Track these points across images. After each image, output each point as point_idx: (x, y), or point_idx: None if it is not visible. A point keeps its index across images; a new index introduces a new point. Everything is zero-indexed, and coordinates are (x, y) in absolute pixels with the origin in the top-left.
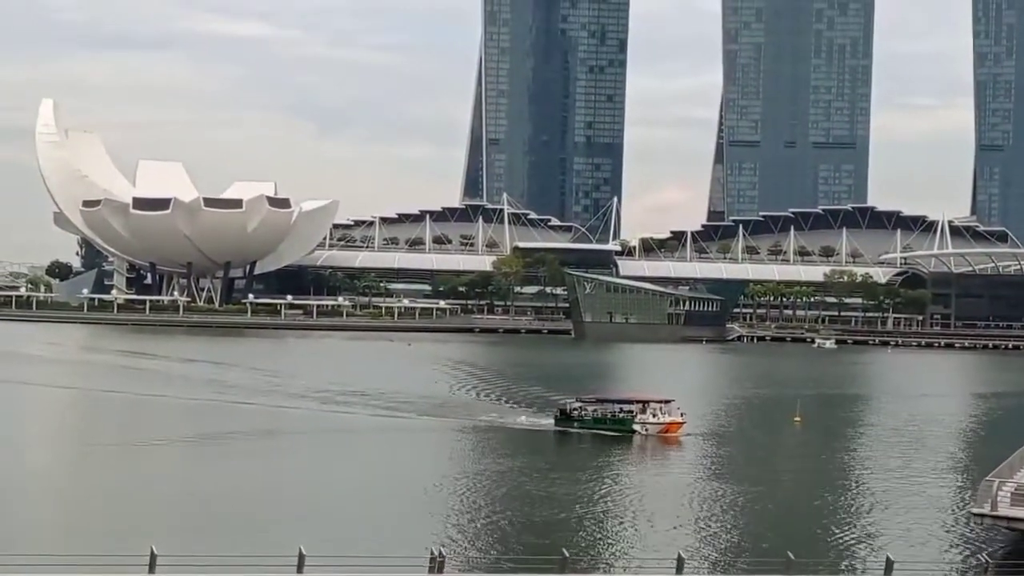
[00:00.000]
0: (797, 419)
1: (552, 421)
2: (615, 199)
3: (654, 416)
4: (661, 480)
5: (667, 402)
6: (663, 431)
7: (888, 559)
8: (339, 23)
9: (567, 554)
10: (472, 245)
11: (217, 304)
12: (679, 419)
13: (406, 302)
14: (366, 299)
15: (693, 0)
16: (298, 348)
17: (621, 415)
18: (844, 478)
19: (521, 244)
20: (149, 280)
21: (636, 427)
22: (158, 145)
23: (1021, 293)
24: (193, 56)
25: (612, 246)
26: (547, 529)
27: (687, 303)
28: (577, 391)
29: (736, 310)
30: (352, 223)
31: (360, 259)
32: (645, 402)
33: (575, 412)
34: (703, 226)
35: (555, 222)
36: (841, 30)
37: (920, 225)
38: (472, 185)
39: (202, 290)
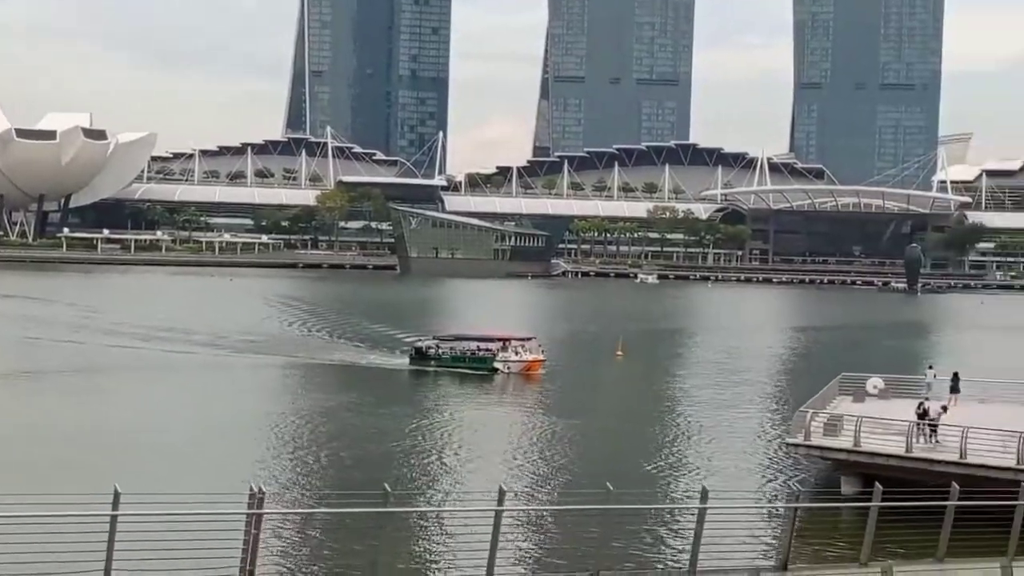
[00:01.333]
0: (619, 354)
1: (407, 360)
2: (441, 134)
3: (516, 354)
4: (492, 415)
5: (528, 339)
6: (525, 369)
7: (704, 488)
8: None
9: (389, 489)
10: (295, 179)
11: (31, 239)
12: (540, 356)
13: (227, 237)
14: (186, 234)
15: None
16: (117, 284)
17: (481, 353)
18: (665, 411)
19: (345, 178)
20: None
21: (497, 365)
22: None
23: (837, 229)
24: None
25: (438, 181)
26: (376, 465)
27: (513, 239)
28: (406, 326)
29: (561, 246)
30: (171, 156)
31: (180, 193)
32: (505, 339)
33: (431, 351)
34: (529, 162)
35: (380, 156)
36: None
37: (740, 162)
38: (296, 118)
39: (15, 224)
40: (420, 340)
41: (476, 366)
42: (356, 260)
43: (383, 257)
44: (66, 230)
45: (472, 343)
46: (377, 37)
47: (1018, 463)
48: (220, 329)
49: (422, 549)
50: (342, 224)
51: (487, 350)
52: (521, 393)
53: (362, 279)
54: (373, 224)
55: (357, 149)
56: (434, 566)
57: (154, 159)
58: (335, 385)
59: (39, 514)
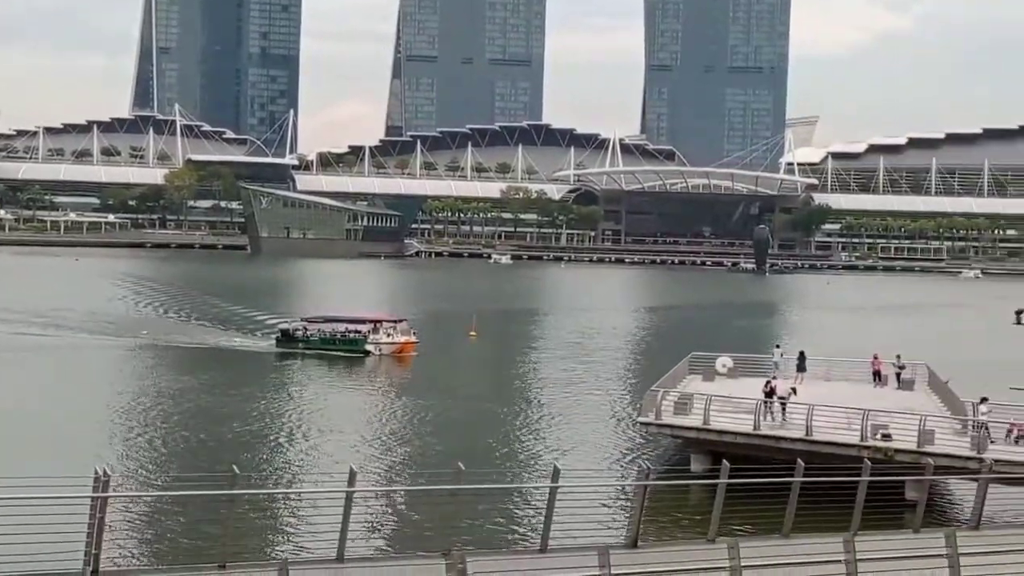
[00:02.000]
0: (472, 334)
1: (273, 343)
2: (292, 112)
3: (387, 336)
4: (351, 398)
5: (399, 321)
6: (397, 351)
7: (555, 468)
8: None
9: (238, 471)
10: (142, 158)
11: None
12: (412, 339)
13: (73, 216)
14: (30, 212)
15: None
16: None
17: (351, 335)
18: (518, 390)
19: (194, 157)
20: None
21: (369, 347)
22: None
23: (687, 210)
24: None
25: (289, 160)
26: (229, 447)
27: (365, 219)
28: (262, 307)
29: (414, 226)
30: (14, 133)
31: (23, 171)
32: (376, 321)
33: (299, 333)
34: (381, 141)
35: (230, 135)
36: None
37: (593, 143)
38: (143, 96)
39: None
40: (287, 322)
41: (347, 348)
42: (206, 240)
43: (233, 237)
44: None
45: (342, 325)
46: (226, 14)
47: (861, 440)
48: (67, 310)
49: (272, 531)
50: (191, 203)
51: (357, 332)
52: (382, 375)
53: (212, 259)
54: (223, 203)
55: (206, 127)
56: (284, 547)
57: None
58: (193, 367)
59: None
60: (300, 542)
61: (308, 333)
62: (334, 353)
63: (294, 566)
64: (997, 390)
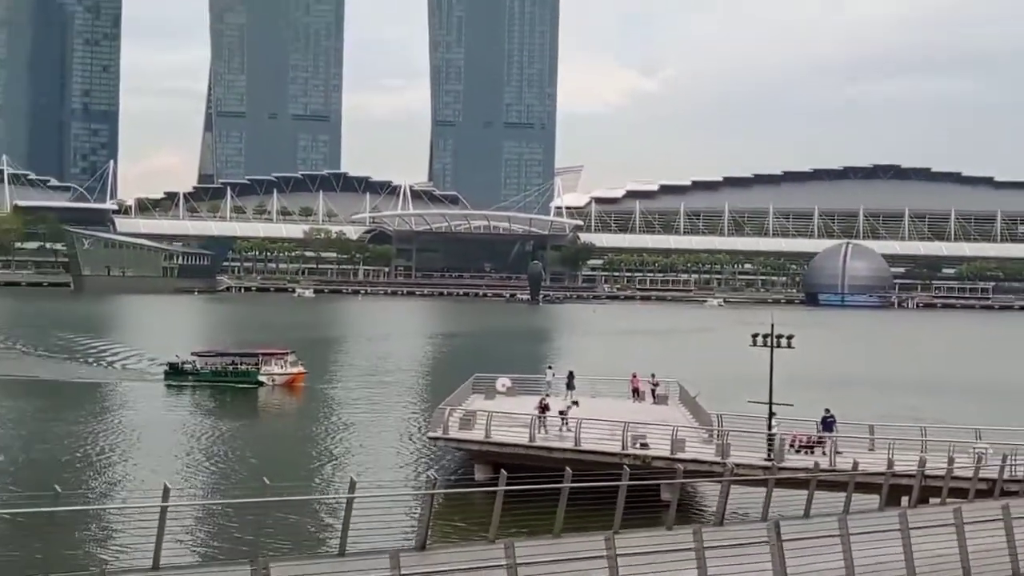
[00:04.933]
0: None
1: (161, 376)
2: (112, 162)
3: (280, 367)
4: (168, 418)
5: (287, 353)
6: (289, 381)
7: (352, 480)
8: None
9: (60, 489)
10: None
11: None
12: (302, 369)
13: None
14: None
15: None
16: None
17: (243, 367)
18: (321, 411)
19: (21, 203)
20: None
21: (262, 379)
22: None
23: (470, 248)
24: None
25: (109, 205)
26: (57, 469)
27: (180, 257)
28: (91, 337)
29: (226, 263)
30: None
31: None
32: (267, 354)
33: (188, 366)
34: (195, 188)
35: (54, 183)
36: (316, 16)
37: (386, 189)
38: None
39: None
40: (175, 356)
41: (240, 380)
42: (31, 278)
43: (58, 275)
44: None
45: (233, 358)
46: (51, 73)
47: (623, 448)
48: None
49: (92, 545)
50: (19, 245)
51: (249, 363)
52: (210, 400)
53: (38, 296)
54: (48, 245)
55: (32, 176)
56: (102, 561)
57: None
58: (48, 400)
59: None
60: (118, 553)
61: (198, 366)
62: (227, 384)
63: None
64: (738, 402)
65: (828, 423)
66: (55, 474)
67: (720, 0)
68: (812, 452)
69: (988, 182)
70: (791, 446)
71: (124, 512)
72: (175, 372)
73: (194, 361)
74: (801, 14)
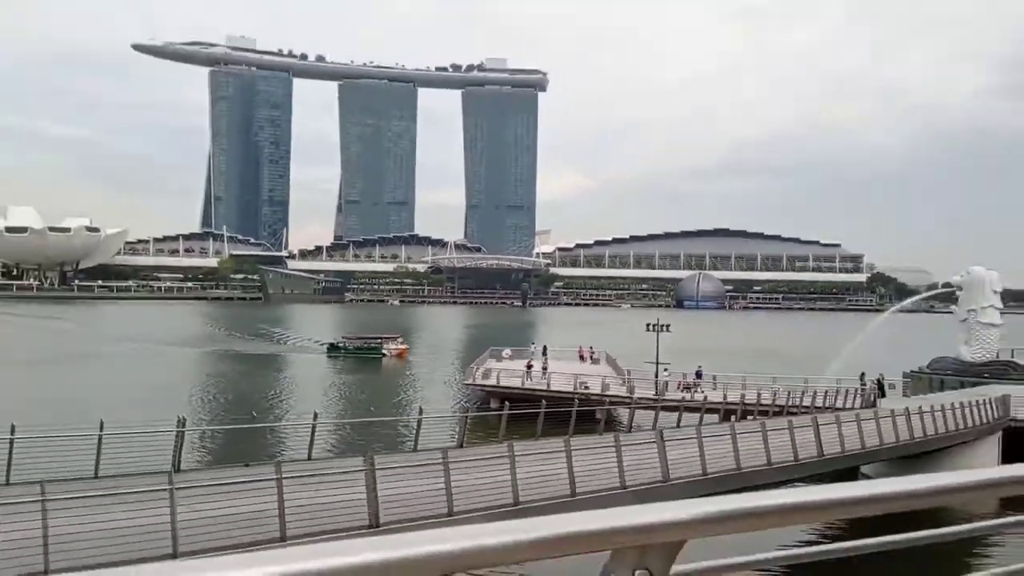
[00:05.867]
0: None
1: (325, 351)
2: (285, 229)
3: (395, 345)
4: (329, 374)
5: (398, 337)
6: (399, 353)
7: (420, 408)
8: None
9: (255, 414)
10: (205, 252)
11: (56, 285)
12: (406, 346)
13: (168, 283)
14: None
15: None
16: (104, 310)
17: (373, 345)
18: (410, 371)
19: (234, 252)
20: None
21: (384, 352)
22: None
23: (488, 276)
24: None
25: (284, 253)
26: (262, 399)
27: (323, 283)
28: (280, 328)
29: (350, 287)
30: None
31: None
32: (386, 337)
33: (340, 345)
34: (332, 243)
35: (252, 240)
36: (401, 147)
37: (440, 243)
38: (207, 221)
39: (47, 278)
40: (333, 339)
41: (371, 353)
42: (239, 295)
43: (254, 294)
44: (76, 281)
45: (365, 340)
46: (252, 179)
47: (574, 389)
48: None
49: (271, 446)
50: (231, 276)
51: (377, 343)
52: (353, 365)
53: (242, 306)
54: (249, 276)
55: (240, 236)
56: (276, 454)
57: None
58: (261, 366)
59: None
60: (289, 449)
61: (347, 345)
62: (362, 356)
63: None
64: (638, 362)
65: (699, 373)
66: (261, 403)
67: (632, 132)
68: (689, 390)
69: (778, 238)
70: (677, 387)
71: (284, 427)
72: (333, 348)
73: (344, 342)
74: (688, 138)
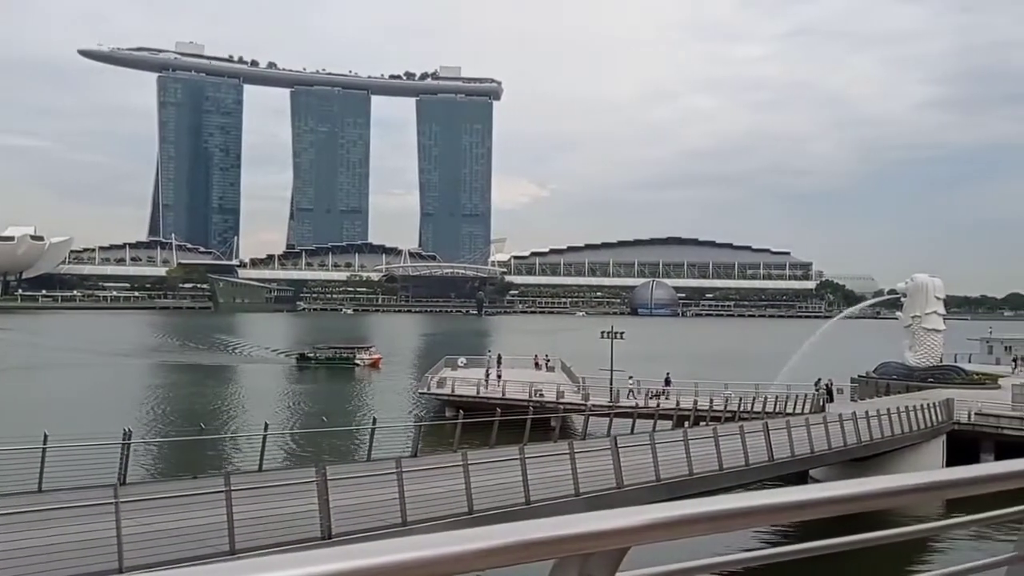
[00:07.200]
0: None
1: (294, 362)
2: (236, 237)
3: (367, 354)
4: (297, 386)
5: (371, 347)
6: (372, 363)
7: (374, 418)
8: None
9: (203, 426)
10: (153, 260)
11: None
12: (379, 355)
13: (114, 293)
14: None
15: None
16: (48, 320)
17: (345, 355)
18: (369, 380)
19: (183, 261)
20: None
21: (358, 361)
22: None
23: (443, 284)
24: None
25: (234, 262)
26: (211, 412)
27: (275, 292)
28: (232, 337)
29: (302, 295)
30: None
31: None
32: (359, 347)
33: (310, 355)
34: (284, 252)
35: (202, 249)
36: (353, 153)
37: (394, 251)
38: (155, 230)
39: None
40: (302, 349)
41: (343, 362)
42: (188, 304)
43: (204, 303)
44: (19, 291)
45: (337, 349)
46: (201, 186)
47: (528, 397)
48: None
49: (220, 460)
50: (181, 285)
51: (349, 353)
52: (324, 374)
53: (192, 315)
54: (198, 285)
55: (189, 245)
56: (226, 464)
57: None
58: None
59: None
60: (239, 461)
61: (318, 355)
62: (335, 366)
63: None
64: (592, 369)
65: (668, 380)
66: (209, 416)
67: (585, 142)
68: (658, 398)
69: (730, 246)
70: (647, 395)
71: (234, 439)
72: (303, 358)
73: (315, 352)
74: (639, 148)
